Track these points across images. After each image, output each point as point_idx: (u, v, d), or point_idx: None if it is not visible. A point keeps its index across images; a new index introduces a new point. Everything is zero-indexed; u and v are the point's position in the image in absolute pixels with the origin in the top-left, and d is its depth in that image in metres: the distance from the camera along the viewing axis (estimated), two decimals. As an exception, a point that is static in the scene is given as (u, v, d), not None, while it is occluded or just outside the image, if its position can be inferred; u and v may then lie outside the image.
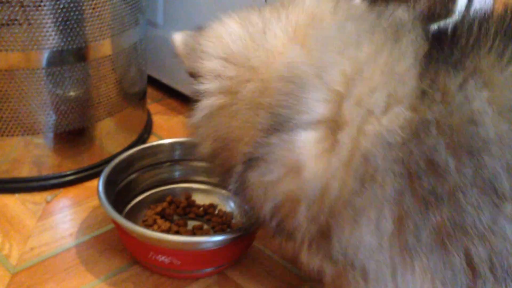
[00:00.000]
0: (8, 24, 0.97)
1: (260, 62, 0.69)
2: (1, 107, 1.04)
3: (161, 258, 0.88)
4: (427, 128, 0.56)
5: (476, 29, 0.59)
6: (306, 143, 0.61)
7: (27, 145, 1.09)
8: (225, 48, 0.72)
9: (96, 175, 1.01)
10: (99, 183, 0.95)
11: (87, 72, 1.09)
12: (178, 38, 0.74)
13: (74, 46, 1.04)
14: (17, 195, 1.12)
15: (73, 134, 1.13)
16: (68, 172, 1.16)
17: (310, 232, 0.65)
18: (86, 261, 0.96)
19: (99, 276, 0.93)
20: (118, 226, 0.91)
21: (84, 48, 1.06)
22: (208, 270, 0.93)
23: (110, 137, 1.21)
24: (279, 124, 0.63)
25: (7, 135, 1.07)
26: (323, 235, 0.63)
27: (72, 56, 1.05)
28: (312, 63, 0.64)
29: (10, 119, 1.05)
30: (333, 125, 0.61)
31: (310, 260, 0.68)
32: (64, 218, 1.07)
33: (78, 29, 1.04)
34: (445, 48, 0.60)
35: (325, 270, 0.68)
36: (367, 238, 0.59)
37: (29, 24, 0.98)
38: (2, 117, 1.05)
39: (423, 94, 0.58)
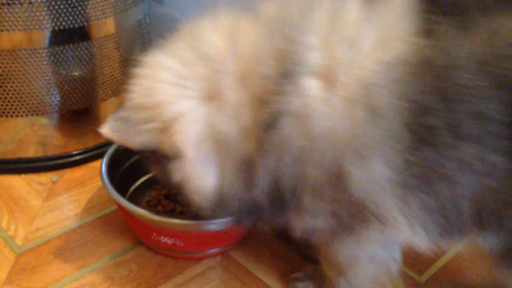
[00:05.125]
0: (9, 4, 0.96)
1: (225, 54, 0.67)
2: (5, 87, 1.03)
3: (164, 239, 0.88)
4: (423, 68, 0.58)
5: None
6: (312, 90, 0.61)
7: (32, 126, 1.09)
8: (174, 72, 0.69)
9: (101, 155, 1.00)
10: (102, 164, 0.94)
11: (91, 51, 1.08)
12: (106, 130, 0.71)
13: (77, 25, 1.03)
14: (23, 176, 1.12)
15: (78, 114, 1.13)
16: (74, 153, 1.16)
17: (322, 182, 0.64)
18: (90, 242, 0.96)
19: (104, 257, 0.93)
20: (121, 208, 0.90)
21: (87, 27, 1.05)
22: (212, 251, 0.93)
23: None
24: (284, 74, 0.62)
25: (12, 116, 1.07)
26: (335, 180, 0.63)
27: (75, 35, 1.04)
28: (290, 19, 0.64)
29: (14, 100, 1.05)
30: (334, 68, 0.61)
31: (308, 221, 0.68)
32: (69, 199, 1.07)
33: (80, 8, 1.02)
34: None
35: (322, 227, 0.69)
36: (381, 171, 0.60)
37: (30, 3, 0.97)
38: (6, 97, 1.05)
39: (421, 37, 0.59)
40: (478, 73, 0.57)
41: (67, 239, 0.97)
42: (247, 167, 0.66)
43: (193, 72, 0.67)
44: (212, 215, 0.73)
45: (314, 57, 0.61)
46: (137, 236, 0.96)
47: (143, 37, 1.22)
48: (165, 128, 0.67)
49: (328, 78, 0.61)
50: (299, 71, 0.61)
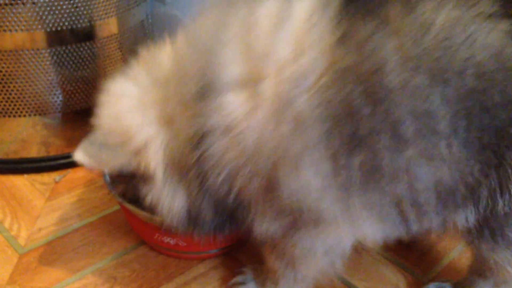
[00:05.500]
0: (12, 4, 0.96)
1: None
2: (8, 87, 1.04)
3: (167, 239, 0.88)
4: (343, 75, 0.58)
5: None
6: (234, 105, 0.62)
7: (34, 126, 1.09)
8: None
9: (104, 155, 1.00)
10: (104, 164, 0.94)
11: (93, 51, 1.08)
12: (80, 156, 0.71)
13: (79, 25, 1.03)
14: (25, 176, 1.13)
15: (80, 114, 1.13)
16: (76, 152, 1.16)
17: (259, 192, 0.65)
18: (93, 242, 0.96)
19: (106, 257, 0.93)
20: (123, 208, 0.90)
21: (90, 27, 1.05)
22: (214, 251, 0.93)
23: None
24: (205, 91, 0.63)
25: (15, 116, 1.07)
26: (271, 190, 0.64)
27: (78, 35, 1.04)
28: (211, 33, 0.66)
29: (17, 100, 1.05)
30: (253, 81, 0.62)
31: (263, 226, 0.69)
32: (72, 199, 1.07)
33: (83, 8, 1.02)
34: None
35: (274, 230, 0.70)
36: (311, 180, 0.62)
37: (33, 3, 0.97)
38: (9, 97, 1.05)
39: (338, 42, 0.59)
40: (409, 72, 0.57)
41: (70, 239, 0.97)
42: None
43: (151, 97, 0.69)
44: (186, 231, 0.75)
45: (231, 73, 0.62)
46: (139, 236, 0.96)
47: (145, 37, 1.22)
48: (137, 153, 0.69)
49: (248, 92, 0.62)
50: (218, 89, 0.62)
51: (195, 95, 0.64)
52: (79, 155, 0.70)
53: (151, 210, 0.74)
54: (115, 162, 0.70)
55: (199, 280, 0.89)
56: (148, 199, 0.72)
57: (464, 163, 0.61)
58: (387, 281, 0.91)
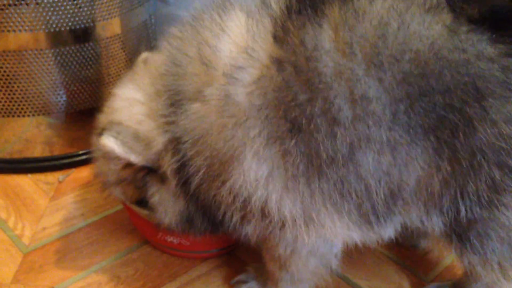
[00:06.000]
0: (15, 4, 0.97)
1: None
2: (12, 87, 1.04)
3: (170, 238, 0.88)
4: (280, 66, 0.61)
5: None
6: (193, 111, 0.65)
7: (38, 126, 1.10)
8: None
9: (107, 155, 1.01)
10: (108, 164, 0.94)
11: (96, 51, 1.09)
12: (110, 140, 0.71)
13: (83, 26, 1.04)
14: (29, 175, 1.13)
15: (84, 114, 1.13)
16: (80, 152, 1.16)
17: (222, 193, 0.67)
18: (97, 241, 0.97)
19: (110, 256, 0.94)
20: (127, 207, 0.91)
21: (93, 27, 1.06)
22: (217, 250, 0.93)
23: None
24: (175, 101, 0.68)
25: (19, 116, 1.08)
26: (228, 190, 0.66)
27: (81, 35, 1.05)
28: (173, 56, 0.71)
29: (20, 100, 1.06)
30: (204, 88, 0.65)
31: (245, 228, 0.71)
32: (76, 198, 1.07)
33: (86, 8, 1.03)
34: None
35: (252, 232, 0.71)
36: (255, 170, 0.63)
37: (37, 3, 0.98)
38: (13, 97, 1.05)
39: (274, 38, 0.62)
40: (345, 58, 0.59)
41: (74, 239, 0.97)
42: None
43: (156, 106, 0.72)
44: (183, 231, 0.77)
45: (191, 84, 0.66)
46: (143, 235, 0.96)
47: (148, 37, 1.23)
48: (159, 154, 0.71)
49: (202, 99, 0.65)
50: (183, 98, 0.67)
51: (168, 105, 0.68)
52: (109, 140, 0.71)
53: (152, 209, 0.76)
54: (144, 154, 0.71)
55: (202, 279, 0.90)
56: (155, 199, 0.74)
57: (408, 148, 0.60)
58: (390, 280, 0.91)
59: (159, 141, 0.70)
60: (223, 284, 0.89)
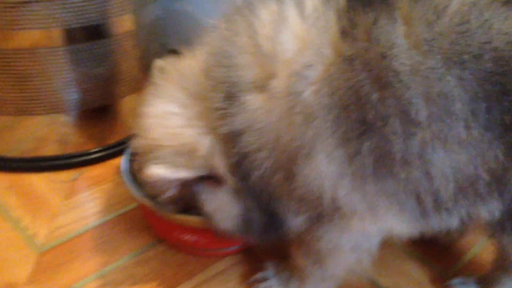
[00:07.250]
0: (28, 2, 0.96)
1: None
2: (25, 86, 1.03)
3: (186, 236, 0.87)
4: (350, 64, 0.59)
5: None
6: (254, 104, 0.64)
7: (51, 124, 1.09)
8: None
9: (121, 152, 1.00)
10: (121, 162, 0.94)
11: (109, 48, 1.08)
12: (159, 168, 0.70)
13: (95, 23, 1.03)
14: (43, 174, 1.12)
15: (97, 112, 1.12)
16: (93, 150, 1.15)
17: (282, 185, 0.67)
18: (112, 240, 0.96)
19: (125, 255, 0.93)
20: (141, 206, 0.90)
21: (105, 24, 1.05)
22: (234, 248, 0.92)
23: (134, 114, 1.19)
24: (231, 94, 0.66)
25: (32, 114, 1.07)
26: (290, 181, 0.65)
27: (94, 32, 1.04)
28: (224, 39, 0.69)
29: (33, 98, 1.05)
30: (266, 81, 0.64)
31: (294, 221, 0.71)
32: (90, 197, 1.07)
33: (98, 5, 1.02)
34: None
35: (300, 224, 0.71)
36: (324, 168, 0.62)
37: (49, 1, 0.97)
38: (25, 96, 1.04)
39: (342, 33, 0.60)
40: (421, 55, 0.57)
41: (88, 238, 0.97)
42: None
43: (193, 112, 0.70)
44: (239, 236, 0.77)
45: (249, 75, 0.64)
46: (158, 234, 0.95)
47: (161, 33, 1.22)
48: (207, 160, 0.70)
49: (263, 91, 0.64)
50: (239, 90, 0.65)
51: (224, 98, 0.66)
52: (158, 169, 0.70)
53: (208, 216, 0.75)
54: (193, 164, 0.70)
55: (219, 277, 0.89)
56: (211, 205, 0.73)
57: (486, 146, 0.59)
58: (409, 276, 0.90)
59: (204, 143, 0.69)
60: (241, 283, 0.88)
